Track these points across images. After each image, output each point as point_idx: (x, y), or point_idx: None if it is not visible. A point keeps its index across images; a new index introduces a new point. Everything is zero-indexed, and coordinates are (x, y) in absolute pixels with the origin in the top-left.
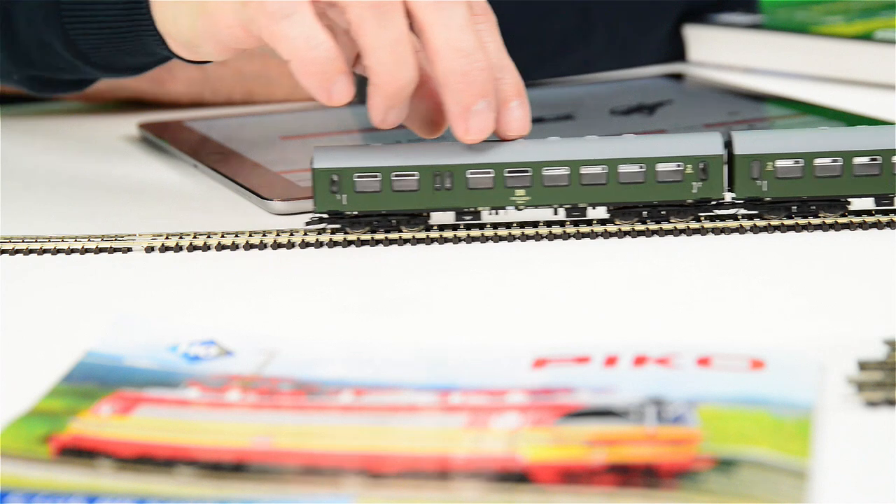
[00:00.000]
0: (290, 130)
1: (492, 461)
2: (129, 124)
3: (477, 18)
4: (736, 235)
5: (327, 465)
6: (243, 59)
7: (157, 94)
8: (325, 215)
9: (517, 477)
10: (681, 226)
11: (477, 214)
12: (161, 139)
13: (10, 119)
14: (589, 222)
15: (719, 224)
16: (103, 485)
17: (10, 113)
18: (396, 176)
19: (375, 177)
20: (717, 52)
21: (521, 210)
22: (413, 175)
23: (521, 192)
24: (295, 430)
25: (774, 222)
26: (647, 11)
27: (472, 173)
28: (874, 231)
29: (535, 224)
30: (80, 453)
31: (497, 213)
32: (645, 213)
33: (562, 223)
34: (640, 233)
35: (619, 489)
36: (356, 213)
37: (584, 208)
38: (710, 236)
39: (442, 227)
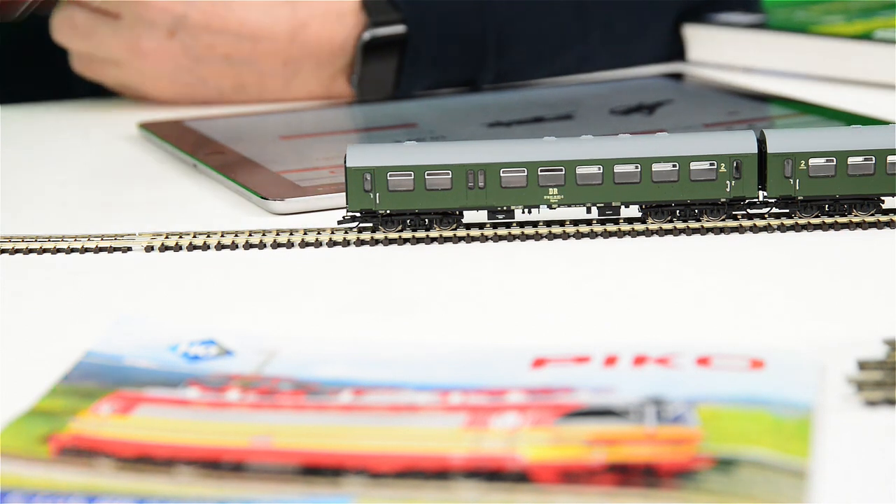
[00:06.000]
0: (290, 130)
1: (491, 461)
2: (129, 124)
3: None
4: (735, 235)
5: (327, 465)
6: (229, 41)
7: (140, 90)
8: (358, 214)
9: (517, 477)
10: (680, 226)
11: (510, 213)
12: (161, 139)
13: (11, 119)
14: (588, 222)
15: (718, 224)
16: (103, 485)
17: (11, 113)
18: (430, 174)
19: (408, 175)
20: (717, 51)
21: (554, 209)
22: (446, 174)
23: (554, 190)
24: (295, 429)
25: (774, 222)
26: (644, 10)
27: (505, 172)
28: (874, 231)
29: (534, 224)
30: (79, 453)
31: (530, 212)
32: (678, 212)
33: (561, 222)
34: (639, 233)
35: (618, 489)
36: (389, 211)
37: (618, 207)
38: (710, 236)
39: (432, 227)
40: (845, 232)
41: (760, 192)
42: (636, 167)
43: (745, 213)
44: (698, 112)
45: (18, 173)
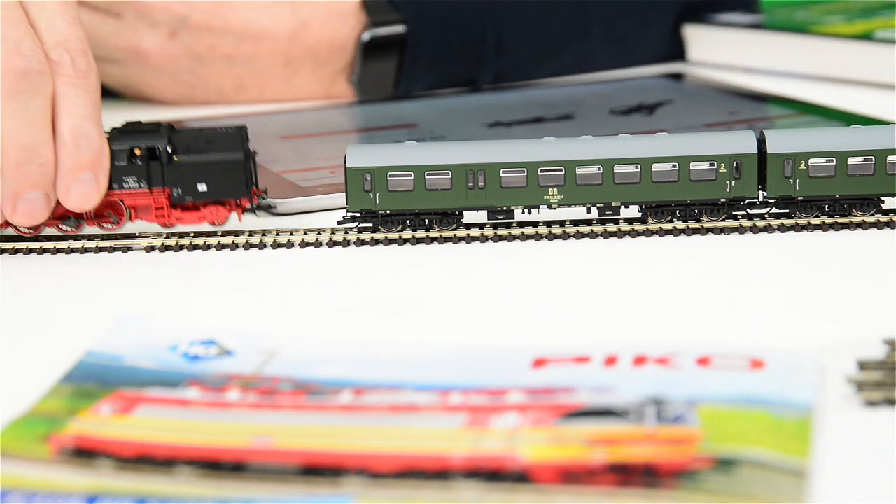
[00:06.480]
0: (291, 130)
1: (491, 461)
2: None
3: (69, 81)
4: (735, 235)
5: (327, 465)
6: (231, 41)
7: (141, 90)
8: (358, 214)
9: (517, 477)
10: (680, 226)
11: (510, 213)
12: None
13: None
14: (589, 222)
15: (718, 224)
16: (103, 485)
17: None
18: (430, 174)
19: (408, 175)
20: (717, 51)
21: (554, 209)
22: (446, 174)
23: (554, 190)
24: (295, 429)
25: (774, 222)
26: (644, 10)
27: (505, 172)
28: (874, 231)
29: (534, 224)
30: (80, 453)
31: (530, 212)
32: (678, 212)
33: (561, 222)
34: (639, 233)
35: (618, 489)
36: (389, 211)
37: (618, 207)
38: (710, 236)
39: (431, 228)
40: (845, 232)
41: (760, 192)
42: (636, 167)
43: (745, 213)
44: (698, 112)
45: None
